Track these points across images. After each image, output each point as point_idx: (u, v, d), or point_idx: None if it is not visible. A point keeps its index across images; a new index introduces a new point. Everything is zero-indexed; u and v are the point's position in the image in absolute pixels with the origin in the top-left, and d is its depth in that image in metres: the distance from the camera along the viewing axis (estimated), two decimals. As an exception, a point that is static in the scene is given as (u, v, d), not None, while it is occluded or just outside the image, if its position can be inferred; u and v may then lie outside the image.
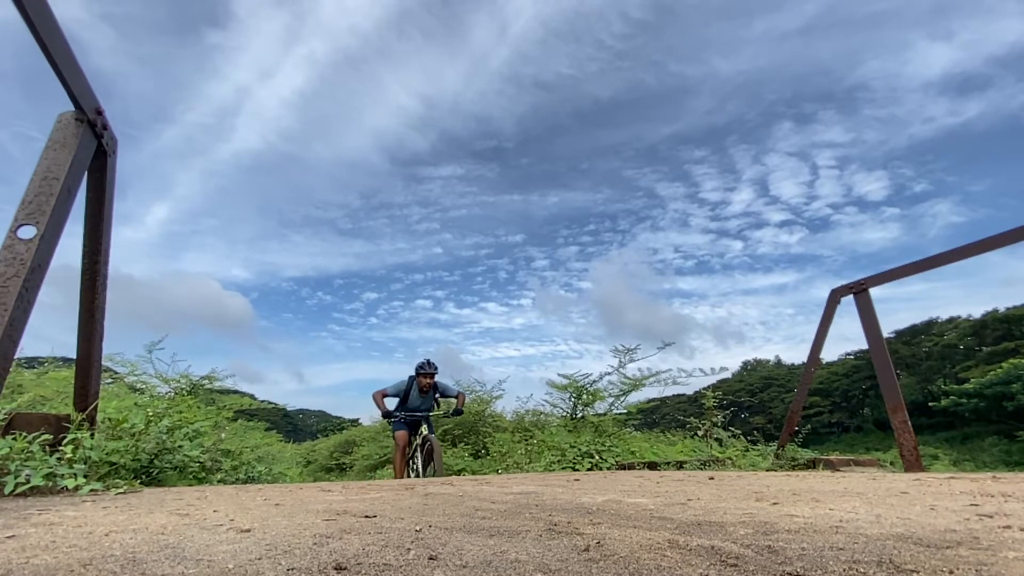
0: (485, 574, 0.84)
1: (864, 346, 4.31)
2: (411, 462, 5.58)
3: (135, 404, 4.09)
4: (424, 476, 5.01)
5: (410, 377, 5.77)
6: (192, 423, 3.83)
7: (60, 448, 2.23)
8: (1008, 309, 45.82)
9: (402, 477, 5.33)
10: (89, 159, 2.43)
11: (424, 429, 5.37)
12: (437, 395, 5.79)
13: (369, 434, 10.48)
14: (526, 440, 6.93)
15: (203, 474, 3.54)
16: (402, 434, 5.51)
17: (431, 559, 0.92)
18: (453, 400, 5.82)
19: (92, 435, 2.49)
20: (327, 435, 14.12)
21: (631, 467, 5.10)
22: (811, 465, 4.47)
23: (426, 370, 5.66)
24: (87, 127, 2.35)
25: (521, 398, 9.80)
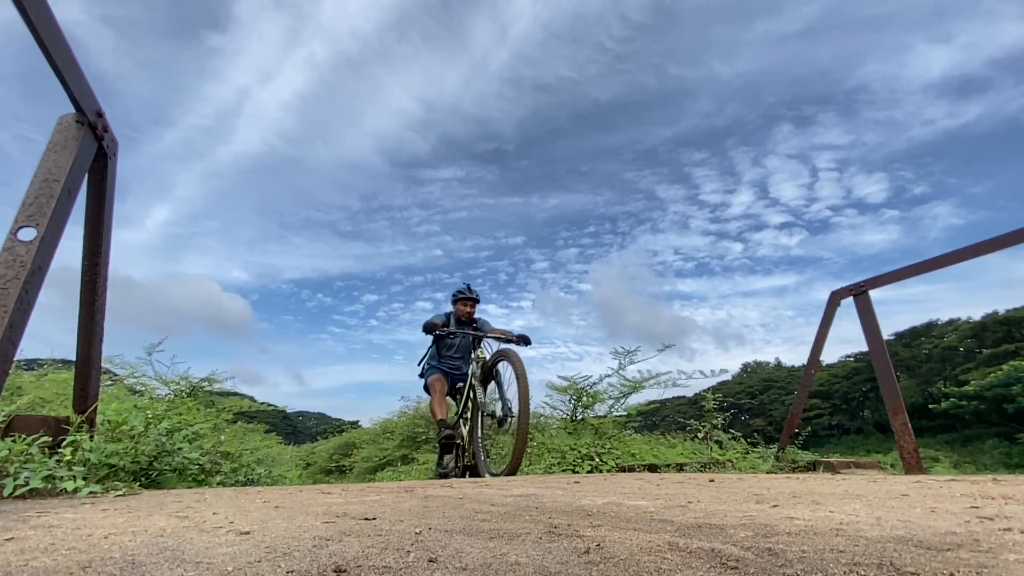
0: (485, 577, 0.84)
1: (864, 348, 4.30)
2: (461, 419, 4.28)
3: (135, 406, 4.08)
4: (489, 436, 3.89)
5: (446, 314, 4.78)
6: (192, 425, 3.83)
7: (59, 450, 2.23)
8: (1008, 311, 45.85)
9: (446, 417, 4.27)
10: (90, 161, 2.43)
11: (482, 353, 4.10)
12: (474, 327, 4.70)
13: (369, 436, 10.46)
14: (526, 442, 6.90)
15: (202, 476, 3.54)
16: (438, 379, 4.40)
17: (431, 561, 0.92)
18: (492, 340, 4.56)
19: (91, 437, 2.49)
20: (327, 437, 14.13)
21: (631, 469, 5.10)
22: (811, 467, 4.46)
23: (466, 295, 4.64)
24: (88, 129, 2.36)
25: (521, 400, 9.77)
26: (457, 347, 4.69)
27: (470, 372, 4.12)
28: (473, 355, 4.16)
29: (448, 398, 4.55)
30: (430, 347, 4.77)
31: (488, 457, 3.87)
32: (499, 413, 3.70)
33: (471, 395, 4.08)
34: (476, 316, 4.77)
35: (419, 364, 4.81)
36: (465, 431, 4.23)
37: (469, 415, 4.14)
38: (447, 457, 4.41)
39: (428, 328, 4.37)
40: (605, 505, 1.67)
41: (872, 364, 4.19)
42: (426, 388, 4.65)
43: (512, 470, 3.39)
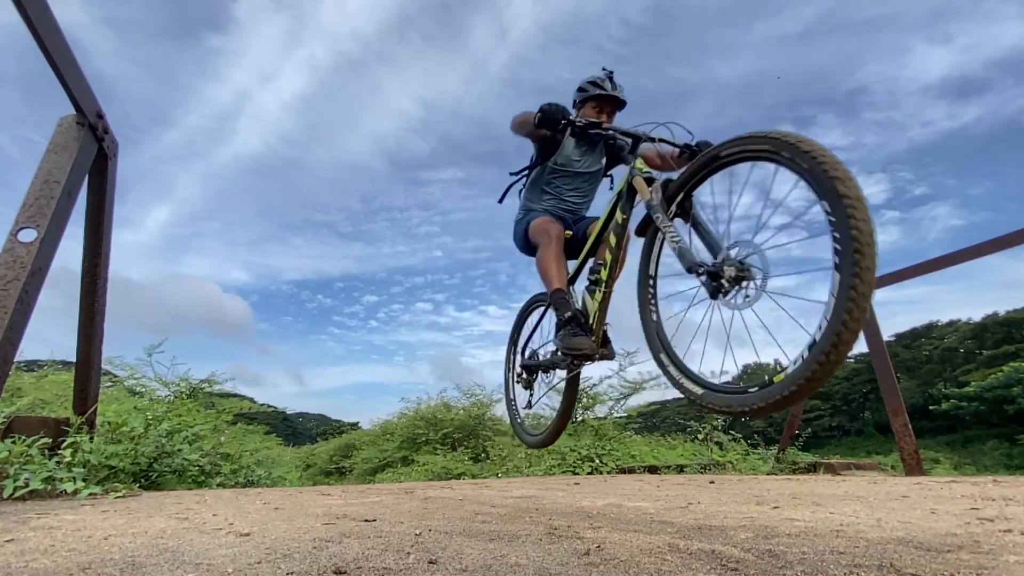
0: (485, 578, 0.84)
1: (864, 349, 4.30)
2: (587, 296, 2.36)
3: (134, 407, 4.08)
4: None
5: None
6: (191, 427, 3.82)
7: (59, 452, 2.23)
8: (1008, 312, 45.86)
9: (565, 287, 2.38)
10: (90, 162, 2.44)
11: (642, 165, 2.14)
12: (615, 142, 2.47)
13: (369, 438, 10.45)
14: (526, 444, 6.91)
15: (202, 478, 3.53)
16: (550, 221, 2.53)
17: (431, 563, 0.91)
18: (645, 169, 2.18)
19: (91, 438, 2.49)
20: (327, 439, 14.12)
21: (631, 471, 5.09)
22: (812, 469, 4.46)
23: (602, 89, 2.53)
24: (88, 130, 2.36)
25: (521, 402, 9.78)
26: (577, 180, 2.67)
27: (645, 200, 2.01)
28: (631, 168, 2.12)
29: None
30: (523, 176, 2.77)
31: (675, 367, 1.79)
32: (729, 274, 1.62)
33: (618, 242, 2.18)
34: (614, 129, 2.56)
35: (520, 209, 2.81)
36: (593, 306, 2.30)
37: (603, 289, 2.25)
38: (556, 356, 2.51)
39: (545, 117, 2.18)
40: (605, 506, 1.67)
41: (872, 365, 4.19)
42: (524, 239, 2.68)
43: (802, 393, 1.37)
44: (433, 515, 1.50)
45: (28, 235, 2.01)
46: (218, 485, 3.70)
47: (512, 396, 3.17)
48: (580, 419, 7.51)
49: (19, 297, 1.87)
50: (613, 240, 2.25)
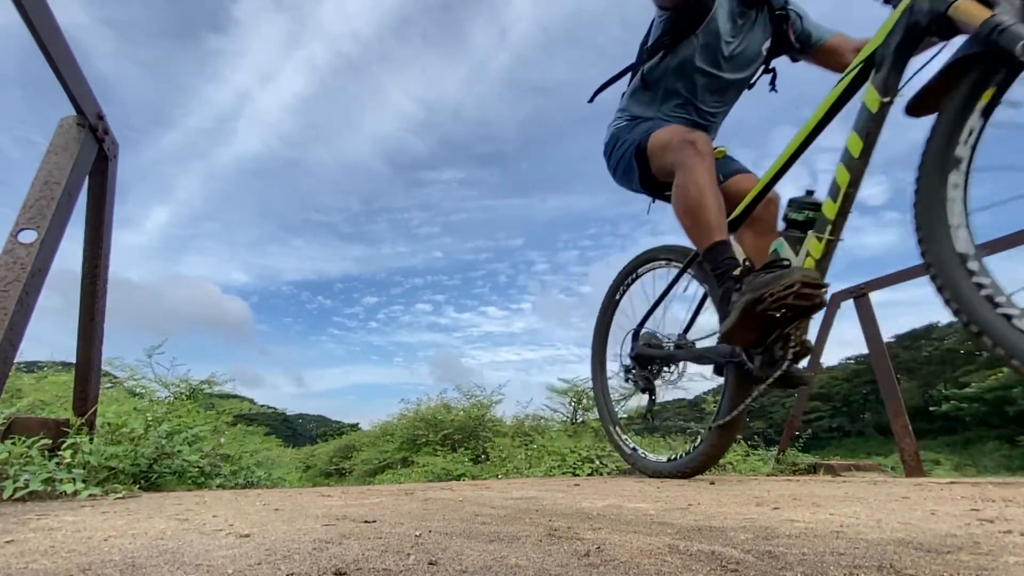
0: (485, 579, 0.84)
1: (864, 351, 4.31)
2: (801, 236, 1.61)
3: (134, 408, 4.08)
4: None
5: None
6: (191, 427, 3.82)
7: (59, 452, 2.22)
8: (1008, 313, 45.85)
9: (728, 236, 1.66)
10: (90, 164, 2.44)
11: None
12: (787, 10, 1.88)
13: (369, 439, 10.45)
14: (526, 445, 6.91)
15: (202, 479, 3.53)
16: (686, 132, 1.66)
17: (431, 564, 0.91)
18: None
19: (91, 440, 2.49)
20: (327, 440, 14.13)
21: (632, 472, 5.09)
22: (812, 470, 4.45)
23: None
24: (88, 132, 2.36)
25: (521, 403, 9.79)
26: (726, 79, 1.85)
27: (981, 24, 1.05)
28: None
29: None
30: (637, 68, 1.93)
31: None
32: None
33: (866, 149, 1.40)
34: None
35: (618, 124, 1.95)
36: (806, 262, 1.61)
37: (827, 235, 1.56)
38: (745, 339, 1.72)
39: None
40: (605, 508, 1.66)
41: (872, 366, 4.19)
42: (635, 159, 1.87)
43: None
44: (433, 516, 1.49)
45: (28, 236, 2.01)
46: (218, 486, 3.70)
47: (606, 400, 2.21)
48: (580, 420, 7.51)
49: (19, 298, 1.87)
50: (858, 145, 1.33)
